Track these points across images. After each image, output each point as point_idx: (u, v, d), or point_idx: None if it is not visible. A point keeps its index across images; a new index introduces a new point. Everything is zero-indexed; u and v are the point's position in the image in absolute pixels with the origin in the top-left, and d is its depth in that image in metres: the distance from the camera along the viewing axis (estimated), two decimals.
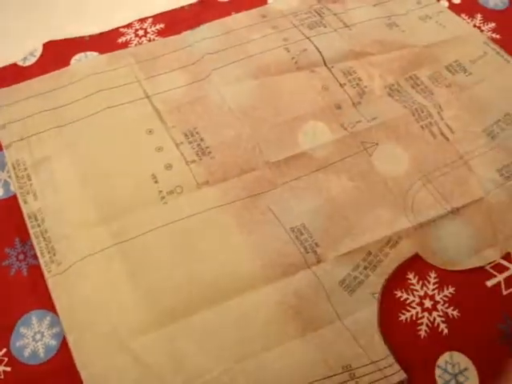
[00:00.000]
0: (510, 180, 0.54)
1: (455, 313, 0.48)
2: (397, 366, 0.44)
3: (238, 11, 0.65)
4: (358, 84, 0.59)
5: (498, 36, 0.67)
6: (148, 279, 0.47)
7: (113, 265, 0.47)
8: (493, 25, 0.68)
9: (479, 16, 0.69)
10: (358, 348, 0.44)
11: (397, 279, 0.49)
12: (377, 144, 0.55)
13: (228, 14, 0.65)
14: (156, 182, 0.51)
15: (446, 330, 0.47)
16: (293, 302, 0.46)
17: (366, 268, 0.48)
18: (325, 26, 0.64)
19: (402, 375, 0.43)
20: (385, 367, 0.44)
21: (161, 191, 0.51)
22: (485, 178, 0.54)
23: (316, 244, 0.49)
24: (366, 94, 0.58)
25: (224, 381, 0.42)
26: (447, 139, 0.56)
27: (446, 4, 0.70)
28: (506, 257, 0.51)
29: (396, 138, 0.56)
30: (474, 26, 0.68)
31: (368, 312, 0.46)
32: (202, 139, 0.54)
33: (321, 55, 0.60)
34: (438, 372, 0.46)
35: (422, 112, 0.58)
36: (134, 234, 0.49)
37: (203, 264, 0.48)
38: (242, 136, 0.54)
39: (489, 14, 0.69)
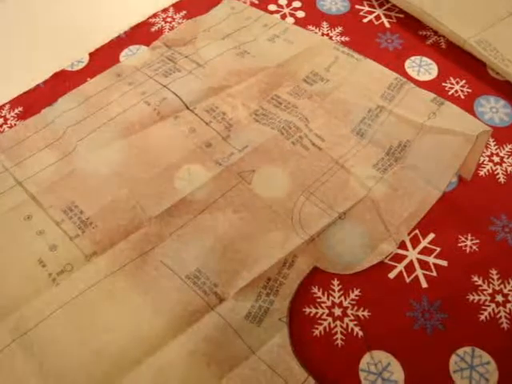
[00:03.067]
0: (387, 172, 0.56)
1: (365, 313, 0.49)
2: None
3: (92, 76, 0.65)
4: (223, 118, 0.60)
5: (346, 38, 0.70)
6: (56, 366, 0.45)
7: (16, 362, 0.46)
8: (340, 29, 0.71)
9: (325, 24, 0.71)
10: (276, 377, 0.44)
11: (302, 296, 0.50)
12: (253, 171, 0.55)
13: (84, 81, 0.65)
14: (44, 265, 0.50)
15: (360, 333, 0.48)
16: (204, 348, 0.46)
17: (268, 295, 0.48)
18: (179, 71, 0.64)
19: None
20: None
21: (50, 274, 0.50)
22: (363, 177, 0.56)
23: (214, 285, 0.49)
24: (232, 126, 0.59)
25: None
26: (320, 148, 0.57)
27: (292, 20, 0.72)
28: (402, 245, 0.53)
29: (270, 160, 0.56)
30: (323, 34, 0.70)
31: (279, 338, 0.46)
32: (81, 212, 0.53)
33: (181, 100, 0.61)
34: (362, 375, 0.46)
35: (290, 128, 0.59)
36: (33, 323, 0.47)
37: (108, 335, 0.47)
38: (120, 198, 0.54)
39: (334, 20, 0.72)
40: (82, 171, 0.56)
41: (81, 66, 0.67)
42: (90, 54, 0.68)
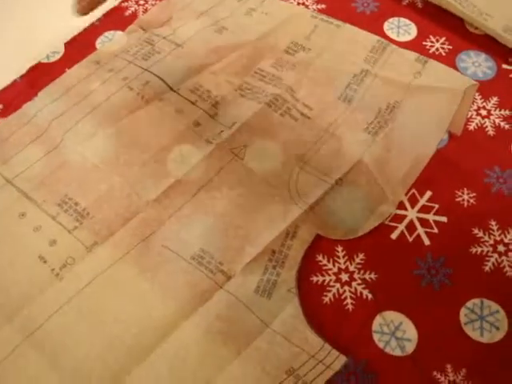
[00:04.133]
0: (378, 135, 0.56)
1: (372, 276, 0.49)
2: (335, 352, 0.44)
3: (70, 66, 0.64)
4: (208, 96, 0.59)
5: (323, 6, 0.69)
6: (70, 360, 0.45)
7: (29, 361, 0.45)
8: None
9: None
10: (293, 347, 0.44)
11: (308, 265, 0.50)
12: (245, 146, 0.55)
13: (62, 71, 0.64)
14: (45, 262, 0.50)
15: (369, 295, 0.48)
16: (218, 326, 0.46)
17: (274, 267, 0.48)
18: (158, 53, 0.63)
19: (343, 359, 0.44)
20: (324, 357, 0.44)
21: (53, 269, 0.49)
22: (355, 141, 0.56)
23: (220, 263, 0.48)
24: (219, 103, 0.59)
25: None
26: (308, 117, 0.57)
27: None
28: (400, 206, 0.53)
29: (260, 134, 0.56)
30: (299, 3, 0.70)
31: (291, 309, 0.46)
32: (76, 203, 0.53)
33: (164, 82, 0.60)
34: (376, 337, 0.46)
35: (277, 100, 0.58)
36: (41, 321, 0.47)
37: (119, 325, 0.46)
38: (114, 187, 0.53)
39: None
40: (73, 163, 0.55)
41: (57, 56, 0.66)
42: (66, 44, 0.67)
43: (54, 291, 0.48)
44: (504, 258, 0.50)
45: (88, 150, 0.56)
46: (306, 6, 0.69)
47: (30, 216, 0.52)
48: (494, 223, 0.52)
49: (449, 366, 0.45)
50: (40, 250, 0.50)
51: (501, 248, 0.50)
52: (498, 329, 0.46)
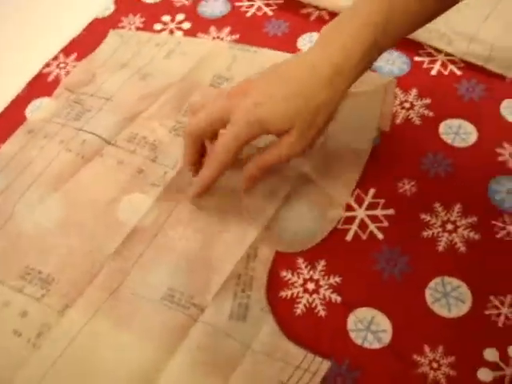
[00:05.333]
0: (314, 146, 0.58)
1: (337, 279, 0.52)
2: (318, 359, 0.46)
3: (4, 140, 0.64)
4: (146, 142, 0.61)
5: (237, 36, 0.72)
6: None
7: None
8: (228, 29, 0.73)
9: (212, 28, 0.73)
10: (278, 363, 0.46)
11: (275, 282, 0.51)
12: (190, 183, 0.56)
13: None
14: (19, 335, 0.49)
15: (338, 298, 0.50)
16: (202, 357, 0.47)
17: (243, 290, 0.50)
18: (89, 111, 0.64)
19: (327, 363, 0.46)
20: (309, 365, 0.46)
21: (29, 339, 0.49)
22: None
23: (191, 297, 0.50)
24: (157, 147, 0.60)
25: None
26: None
27: (180, 33, 0.74)
28: (349, 208, 0.55)
29: None
30: (214, 38, 0.72)
31: (267, 327, 0.48)
32: (39, 272, 0.53)
33: (100, 138, 0.61)
34: (353, 335, 0.49)
35: None
36: None
37: (107, 380, 0.47)
38: (73, 247, 0.54)
39: (219, 22, 0.74)
40: (28, 232, 0.56)
41: None
42: None
43: (35, 360, 0.48)
44: (454, 235, 0.53)
45: (40, 216, 0.57)
46: (221, 39, 0.72)
47: None
48: (438, 205, 0.54)
49: (426, 347, 0.47)
50: (13, 325, 0.50)
51: (449, 226, 0.53)
52: (463, 302, 0.49)
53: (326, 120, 0.48)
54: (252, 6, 0.76)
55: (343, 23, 0.48)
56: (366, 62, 0.48)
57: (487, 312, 0.48)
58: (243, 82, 0.51)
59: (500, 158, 0.58)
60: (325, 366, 0.45)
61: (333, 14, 0.72)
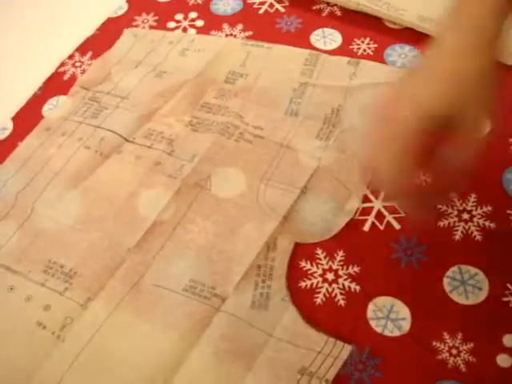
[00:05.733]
0: (330, 139, 0.60)
1: (356, 269, 0.52)
2: (340, 343, 0.47)
3: (23, 139, 0.65)
4: (162, 137, 0.62)
5: (250, 33, 0.73)
6: None
7: None
8: (240, 26, 0.74)
9: (225, 25, 0.74)
10: (300, 349, 0.46)
11: (294, 272, 0.52)
12: (209, 177, 0.57)
13: (15, 146, 0.65)
14: (44, 327, 0.50)
15: (357, 287, 0.51)
16: (224, 346, 0.48)
17: (264, 281, 0.51)
18: (106, 108, 0.65)
19: (349, 348, 0.46)
20: (331, 350, 0.46)
21: (53, 332, 0.50)
22: (310, 150, 0.59)
23: (212, 288, 0.50)
24: (174, 140, 0.61)
25: None
26: (262, 137, 0.60)
27: (194, 31, 0.74)
28: (365, 199, 0.56)
29: (221, 162, 0.59)
30: (227, 35, 0.73)
31: (288, 315, 0.49)
32: (62, 266, 0.54)
33: (118, 135, 0.62)
34: (373, 324, 0.50)
35: (228, 128, 0.61)
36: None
37: (130, 369, 0.48)
38: (94, 242, 0.55)
39: (232, 19, 0.75)
40: (48, 229, 0.57)
41: (7, 133, 0.67)
42: (13, 119, 0.68)
43: (60, 353, 0.49)
44: (470, 224, 0.53)
45: (59, 213, 0.57)
46: (234, 36, 0.73)
47: (18, 288, 0.53)
48: (453, 195, 0.55)
49: (445, 334, 0.47)
50: (37, 318, 0.51)
51: (465, 216, 0.54)
52: (480, 289, 0.49)
53: None
54: (264, 2, 0.76)
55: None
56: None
57: (505, 299, 0.49)
58: None
59: None
60: (346, 350, 0.46)
61: (344, 10, 0.73)
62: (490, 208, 0.54)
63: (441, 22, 0.44)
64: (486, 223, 0.53)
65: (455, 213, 0.54)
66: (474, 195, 0.55)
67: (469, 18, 0.42)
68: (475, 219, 0.53)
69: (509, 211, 0.54)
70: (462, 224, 0.53)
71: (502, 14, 0.42)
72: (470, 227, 0.53)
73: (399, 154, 0.40)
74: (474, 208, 0.54)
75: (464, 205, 0.54)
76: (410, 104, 0.41)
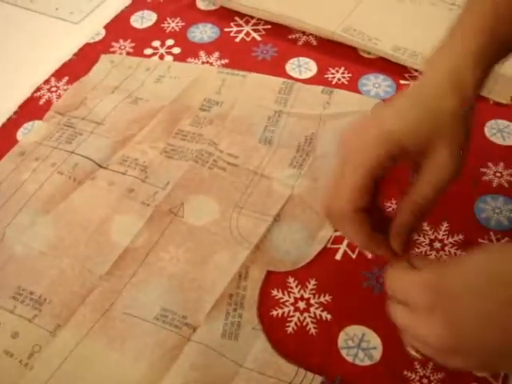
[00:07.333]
0: (303, 167, 0.60)
1: (327, 298, 0.52)
2: (310, 374, 0.46)
3: None
4: (136, 164, 0.61)
5: (226, 61, 0.73)
6: None
7: None
8: (217, 54, 0.75)
9: (202, 53, 0.75)
10: (270, 379, 0.46)
11: (266, 301, 0.52)
12: (182, 204, 0.57)
13: None
14: (11, 355, 0.49)
15: (329, 316, 0.51)
16: (194, 376, 0.47)
17: (235, 310, 0.50)
18: (81, 134, 0.65)
19: (319, 378, 0.46)
20: (301, 381, 0.46)
21: (21, 360, 0.49)
22: (283, 178, 0.59)
23: (183, 317, 0.50)
24: (148, 167, 0.61)
25: None
26: (236, 165, 0.61)
27: (170, 58, 0.75)
28: None
29: (194, 189, 0.59)
30: (203, 62, 0.74)
31: (259, 345, 0.48)
32: (31, 292, 0.53)
33: (92, 161, 0.62)
34: (344, 353, 0.49)
35: (203, 155, 0.61)
36: None
37: None
38: (65, 268, 0.54)
39: (208, 47, 0.76)
40: (19, 254, 0.56)
41: None
42: None
43: (27, 382, 0.48)
44: (442, 253, 0.54)
45: (31, 239, 0.57)
46: (211, 64, 0.73)
47: None
48: (425, 224, 0.55)
49: (416, 363, 0.47)
50: (5, 346, 0.50)
51: (437, 244, 0.54)
52: None
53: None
54: (241, 31, 0.77)
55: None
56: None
57: None
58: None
59: (485, 178, 0.59)
60: (316, 381, 0.46)
61: (319, 39, 0.74)
62: (461, 237, 0.55)
63: (426, 58, 0.46)
64: (458, 252, 0.54)
65: (427, 241, 0.54)
66: (445, 224, 0.56)
67: (450, 59, 0.44)
68: (447, 248, 0.54)
69: (480, 240, 0.55)
70: (434, 253, 0.54)
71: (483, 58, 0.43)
72: (441, 256, 0.53)
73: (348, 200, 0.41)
74: (445, 237, 0.55)
75: (436, 233, 0.55)
76: (378, 129, 0.42)
